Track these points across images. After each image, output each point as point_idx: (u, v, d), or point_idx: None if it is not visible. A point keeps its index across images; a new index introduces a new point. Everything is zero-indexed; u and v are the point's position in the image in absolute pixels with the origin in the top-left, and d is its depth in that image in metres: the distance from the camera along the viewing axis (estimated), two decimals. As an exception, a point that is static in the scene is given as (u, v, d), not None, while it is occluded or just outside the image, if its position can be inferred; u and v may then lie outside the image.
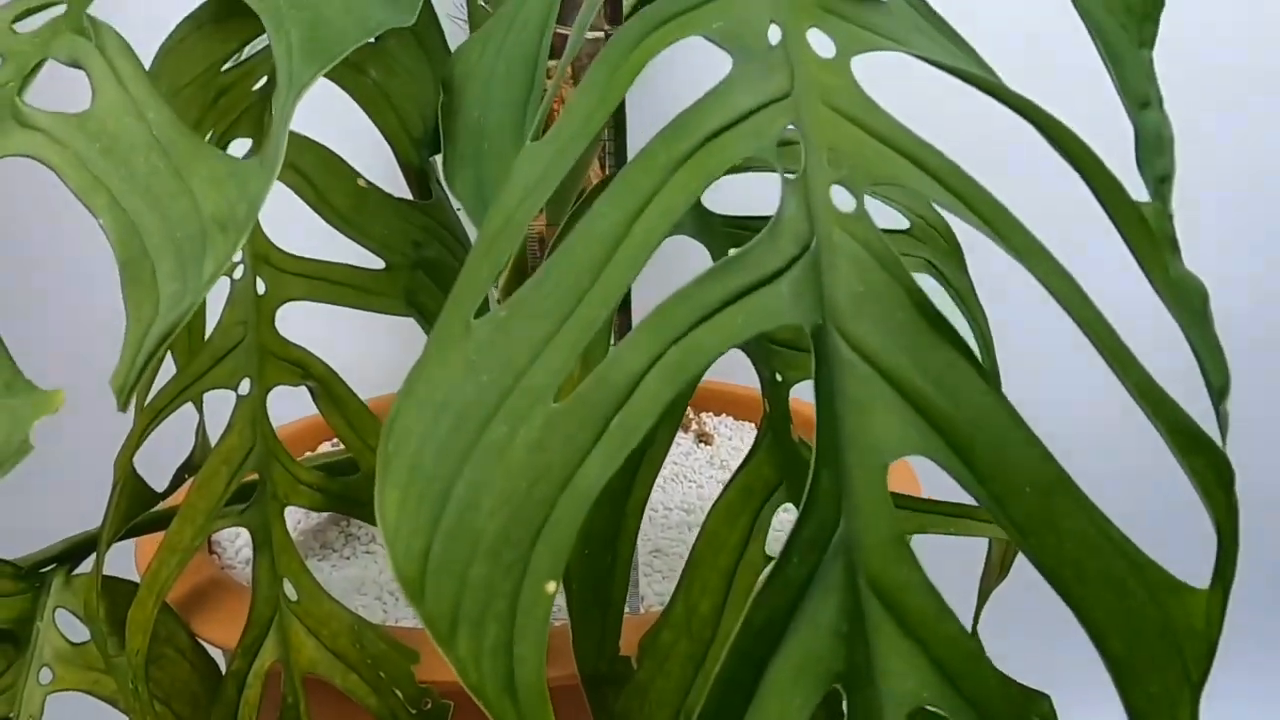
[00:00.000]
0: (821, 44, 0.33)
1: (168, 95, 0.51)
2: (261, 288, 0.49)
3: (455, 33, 0.65)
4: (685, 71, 0.49)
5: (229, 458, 0.47)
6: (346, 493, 0.48)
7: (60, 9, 0.39)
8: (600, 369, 0.27)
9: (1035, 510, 0.28)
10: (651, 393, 0.26)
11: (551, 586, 0.26)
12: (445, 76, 0.41)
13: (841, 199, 0.30)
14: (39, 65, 0.36)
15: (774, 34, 0.33)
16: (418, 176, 0.51)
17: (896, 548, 0.26)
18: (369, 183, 0.49)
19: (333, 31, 0.35)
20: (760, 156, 0.30)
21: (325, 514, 0.64)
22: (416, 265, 0.47)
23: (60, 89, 0.38)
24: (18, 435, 0.27)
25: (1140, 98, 0.41)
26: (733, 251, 0.29)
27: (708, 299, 0.27)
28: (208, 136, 0.53)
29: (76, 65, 0.36)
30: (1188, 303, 0.36)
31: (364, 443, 0.48)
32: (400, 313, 0.47)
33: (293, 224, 0.50)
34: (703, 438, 0.76)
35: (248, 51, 0.52)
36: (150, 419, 0.48)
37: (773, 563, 0.26)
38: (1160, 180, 0.40)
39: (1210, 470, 0.30)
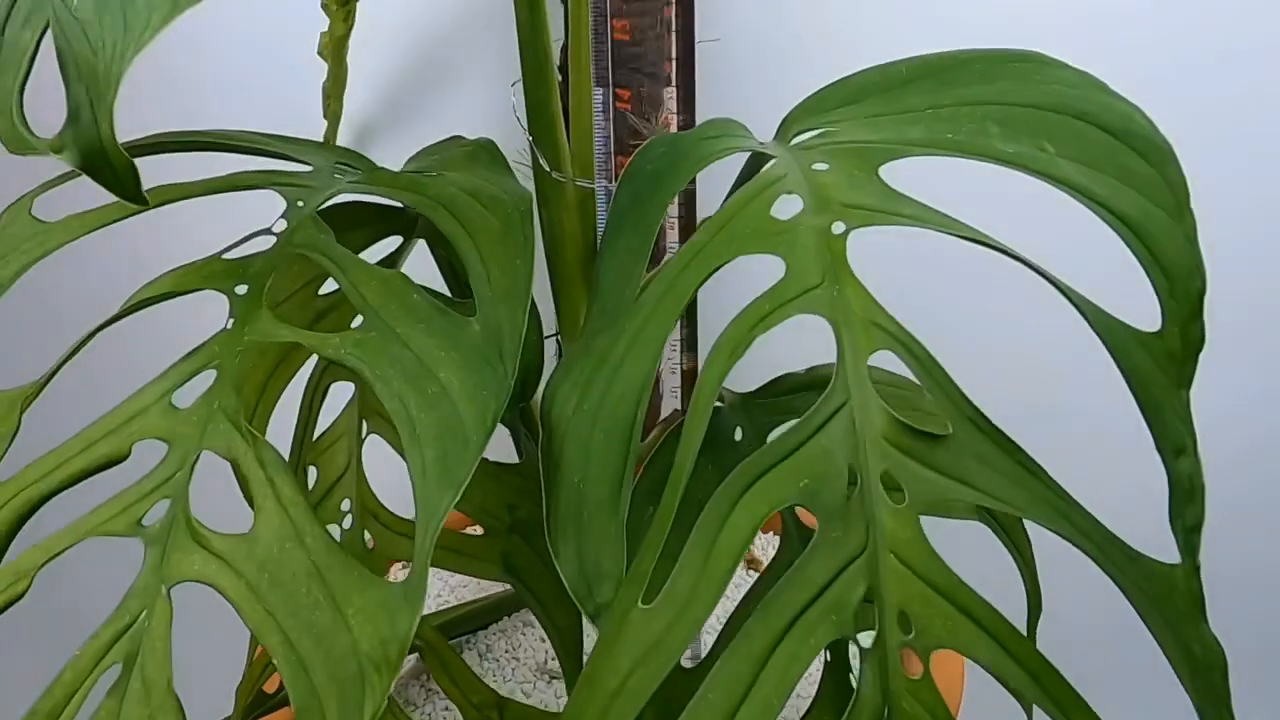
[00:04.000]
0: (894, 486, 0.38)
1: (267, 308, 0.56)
2: (370, 541, 0.54)
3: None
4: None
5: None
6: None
7: (211, 375, 0.44)
8: None
9: None
10: None
11: None
12: (545, 412, 0.45)
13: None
14: (199, 456, 0.41)
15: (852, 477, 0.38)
16: (510, 432, 0.56)
17: None
18: (466, 445, 0.53)
19: (459, 440, 0.40)
20: (844, 636, 0.35)
21: (408, 667, 0.70)
22: (511, 529, 0.52)
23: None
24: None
25: (1177, 445, 0.45)
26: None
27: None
28: (309, 361, 0.57)
29: (233, 462, 0.41)
30: (1206, 676, 0.41)
31: (466, 699, 0.54)
32: (497, 577, 0.52)
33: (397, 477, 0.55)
34: (752, 564, 0.81)
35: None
36: (268, 662, 0.54)
37: None
38: (1190, 530, 0.44)
39: None
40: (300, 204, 0.51)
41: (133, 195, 0.38)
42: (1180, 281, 0.46)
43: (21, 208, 0.49)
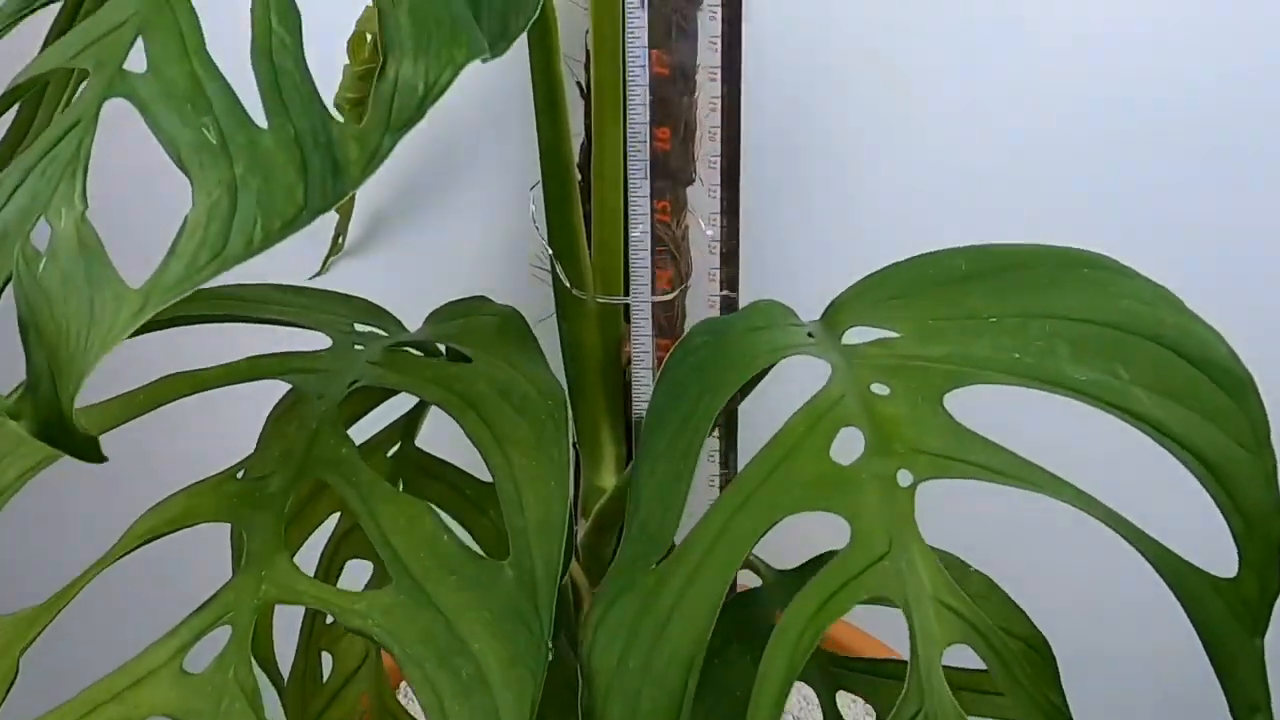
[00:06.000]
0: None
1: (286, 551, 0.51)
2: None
3: (539, 290, 0.66)
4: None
5: None
6: None
7: (225, 631, 0.41)
8: None
9: None
10: None
11: None
12: (585, 658, 0.43)
13: None
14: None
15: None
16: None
17: None
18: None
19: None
20: None
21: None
22: (537, 733, 0.50)
23: None
24: None
25: (1251, 701, 0.43)
26: None
27: None
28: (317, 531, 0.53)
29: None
30: None
31: None
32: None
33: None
34: None
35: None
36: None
37: None
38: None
39: None
40: (320, 398, 0.48)
41: (94, 459, 0.34)
42: (1259, 525, 0.43)
43: (20, 405, 0.46)
